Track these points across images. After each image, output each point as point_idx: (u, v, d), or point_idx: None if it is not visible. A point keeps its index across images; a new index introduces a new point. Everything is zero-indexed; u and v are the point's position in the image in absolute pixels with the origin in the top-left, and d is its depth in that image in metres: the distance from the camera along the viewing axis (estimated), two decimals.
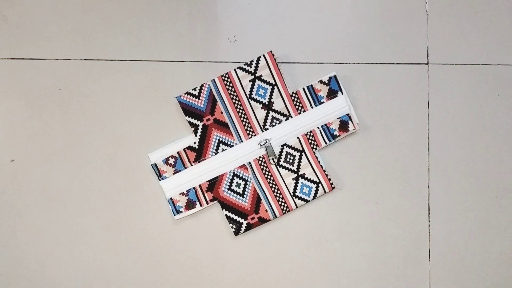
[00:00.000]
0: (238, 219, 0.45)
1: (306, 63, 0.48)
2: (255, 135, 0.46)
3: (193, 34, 0.48)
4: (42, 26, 0.48)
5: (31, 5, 0.48)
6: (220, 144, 0.46)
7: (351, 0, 0.49)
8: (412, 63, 0.48)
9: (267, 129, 0.46)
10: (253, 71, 0.46)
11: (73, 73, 0.47)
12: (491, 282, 0.46)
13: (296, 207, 0.46)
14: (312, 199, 0.46)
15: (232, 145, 0.46)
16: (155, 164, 0.45)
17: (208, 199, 0.46)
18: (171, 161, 0.45)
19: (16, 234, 0.46)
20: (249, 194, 0.46)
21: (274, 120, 0.46)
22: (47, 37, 0.48)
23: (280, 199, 0.45)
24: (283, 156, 0.46)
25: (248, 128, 0.46)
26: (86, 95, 0.47)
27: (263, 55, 0.46)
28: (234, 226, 0.45)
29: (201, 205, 0.46)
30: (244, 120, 0.46)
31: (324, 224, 0.46)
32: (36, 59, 0.48)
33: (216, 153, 0.46)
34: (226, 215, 0.46)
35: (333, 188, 0.46)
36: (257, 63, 0.46)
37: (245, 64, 0.46)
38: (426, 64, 0.48)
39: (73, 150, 0.47)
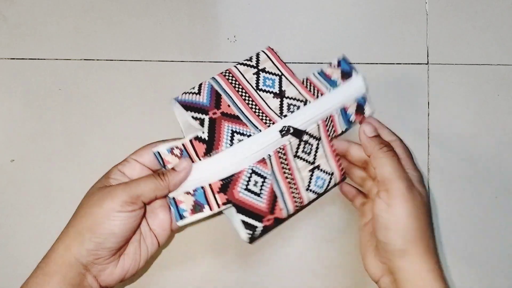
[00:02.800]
0: (254, 223, 0.38)
1: (306, 63, 0.48)
2: (273, 123, 0.39)
3: (193, 34, 0.48)
4: (42, 26, 0.48)
5: (31, 5, 0.48)
6: (235, 134, 0.38)
7: (351, 0, 0.49)
8: (412, 63, 0.48)
9: (286, 115, 0.39)
10: (255, 65, 0.42)
11: (73, 73, 0.47)
12: (492, 282, 0.46)
13: (308, 201, 0.41)
14: (323, 192, 0.42)
15: (250, 135, 0.38)
16: (158, 152, 0.37)
17: (220, 202, 0.38)
18: (177, 151, 0.38)
19: (16, 235, 0.46)
20: (267, 193, 0.39)
21: (291, 107, 0.40)
22: (47, 37, 0.48)
23: (296, 195, 0.40)
24: (301, 146, 0.40)
25: (264, 117, 0.39)
26: (86, 95, 0.47)
27: (262, 51, 0.42)
28: (250, 232, 0.38)
29: (210, 209, 0.38)
30: (257, 110, 0.40)
31: (325, 225, 0.46)
32: (36, 59, 0.48)
33: (231, 145, 0.38)
34: (242, 220, 0.38)
35: (344, 178, 0.43)
36: (258, 58, 0.42)
37: (245, 60, 0.42)
38: (426, 64, 0.48)
39: (73, 150, 0.47)
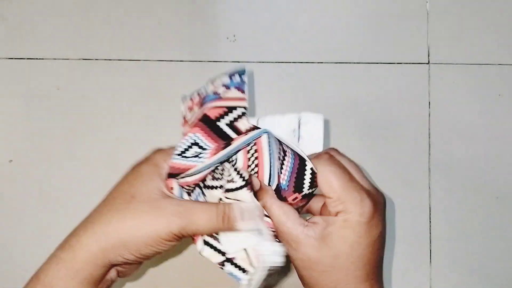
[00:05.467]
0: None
1: (306, 62, 0.47)
2: None
3: (192, 33, 0.48)
4: (41, 26, 0.48)
5: (30, 4, 0.48)
6: None
7: (351, 0, 0.49)
8: (412, 63, 0.48)
9: None
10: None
11: (72, 73, 0.47)
12: (492, 282, 0.46)
13: None
14: None
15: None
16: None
17: None
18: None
19: (15, 235, 0.45)
20: None
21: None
22: (46, 36, 0.47)
23: None
24: None
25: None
26: (84, 95, 0.47)
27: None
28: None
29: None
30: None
31: None
32: (34, 58, 0.47)
33: None
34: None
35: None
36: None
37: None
38: (427, 63, 0.48)
39: (72, 150, 0.46)
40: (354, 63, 0.48)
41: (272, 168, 0.31)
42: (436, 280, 0.46)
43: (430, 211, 0.46)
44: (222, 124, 0.33)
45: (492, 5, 0.48)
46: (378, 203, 0.31)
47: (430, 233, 0.46)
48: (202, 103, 0.35)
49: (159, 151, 0.34)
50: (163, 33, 0.48)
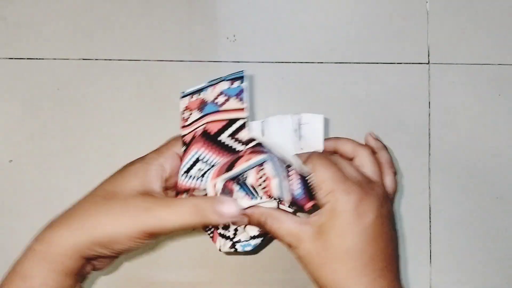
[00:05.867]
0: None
1: (306, 62, 0.47)
2: None
3: (192, 33, 0.48)
4: (41, 26, 0.48)
5: (30, 4, 0.48)
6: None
7: (351, 0, 0.49)
8: (412, 63, 0.48)
9: None
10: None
11: (71, 73, 0.47)
12: (493, 283, 0.46)
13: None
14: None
15: None
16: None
17: None
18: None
19: (15, 235, 0.45)
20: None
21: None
22: (46, 36, 0.47)
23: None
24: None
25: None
26: (84, 95, 0.47)
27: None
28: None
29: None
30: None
31: None
32: (34, 58, 0.47)
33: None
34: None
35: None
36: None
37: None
38: (427, 63, 0.48)
39: (72, 150, 0.46)
40: (354, 63, 0.48)
41: (281, 189, 0.32)
42: (436, 280, 0.46)
43: (430, 211, 0.46)
44: (224, 137, 0.34)
45: (492, 5, 0.48)
46: (369, 192, 0.31)
47: (430, 233, 0.46)
48: (200, 108, 0.35)
49: (153, 152, 0.35)
50: (163, 33, 0.48)
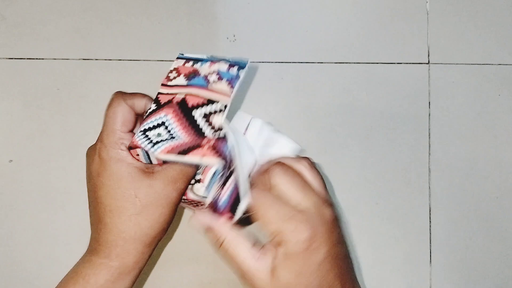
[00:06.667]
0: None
1: (307, 62, 0.47)
2: None
3: (192, 33, 0.48)
4: (40, 26, 0.48)
5: (30, 4, 0.48)
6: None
7: (351, 0, 0.49)
8: (412, 63, 0.48)
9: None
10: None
11: (71, 73, 0.47)
12: (493, 283, 0.46)
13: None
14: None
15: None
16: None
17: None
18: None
19: (15, 235, 0.45)
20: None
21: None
22: (45, 36, 0.47)
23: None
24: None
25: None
26: (84, 95, 0.47)
27: None
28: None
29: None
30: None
31: None
32: (34, 58, 0.47)
33: None
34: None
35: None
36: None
37: None
38: (427, 63, 0.48)
39: (72, 150, 0.46)
40: (354, 63, 0.48)
41: (212, 181, 0.32)
42: (436, 280, 0.46)
43: (430, 211, 0.46)
44: (197, 114, 0.33)
45: (492, 5, 0.48)
46: (320, 224, 0.30)
47: (430, 233, 0.46)
48: (189, 77, 0.35)
49: (104, 134, 0.34)
50: (162, 33, 0.48)
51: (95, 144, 0.35)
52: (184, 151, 0.32)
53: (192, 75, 0.35)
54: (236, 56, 0.35)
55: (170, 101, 0.34)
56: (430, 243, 0.46)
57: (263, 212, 0.30)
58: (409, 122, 0.47)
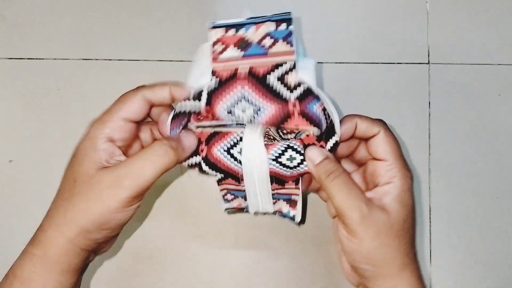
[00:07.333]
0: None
1: None
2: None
3: (192, 33, 0.48)
4: (41, 26, 0.48)
5: (30, 4, 0.48)
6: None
7: (351, 0, 0.49)
8: (412, 63, 0.48)
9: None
10: None
11: (72, 73, 0.47)
12: (493, 283, 0.46)
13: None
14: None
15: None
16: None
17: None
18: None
19: (15, 235, 0.45)
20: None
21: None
22: (46, 36, 0.47)
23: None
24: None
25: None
26: (85, 95, 0.47)
27: None
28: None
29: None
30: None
31: (324, 225, 0.46)
32: (34, 58, 0.47)
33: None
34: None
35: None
36: None
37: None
38: (427, 63, 0.48)
39: (72, 150, 0.46)
40: (354, 63, 0.48)
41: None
42: (436, 280, 0.46)
43: (430, 211, 0.46)
44: (271, 79, 0.33)
45: (492, 5, 0.48)
46: (412, 179, 0.34)
47: (430, 233, 0.46)
48: (241, 47, 0.33)
49: (93, 123, 0.34)
50: (163, 33, 0.48)
51: (89, 127, 0.34)
52: (280, 121, 0.33)
53: (242, 44, 0.34)
54: (274, 12, 0.34)
55: (235, 75, 0.33)
56: (430, 243, 0.46)
57: (390, 145, 0.33)
58: (409, 122, 0.47)
